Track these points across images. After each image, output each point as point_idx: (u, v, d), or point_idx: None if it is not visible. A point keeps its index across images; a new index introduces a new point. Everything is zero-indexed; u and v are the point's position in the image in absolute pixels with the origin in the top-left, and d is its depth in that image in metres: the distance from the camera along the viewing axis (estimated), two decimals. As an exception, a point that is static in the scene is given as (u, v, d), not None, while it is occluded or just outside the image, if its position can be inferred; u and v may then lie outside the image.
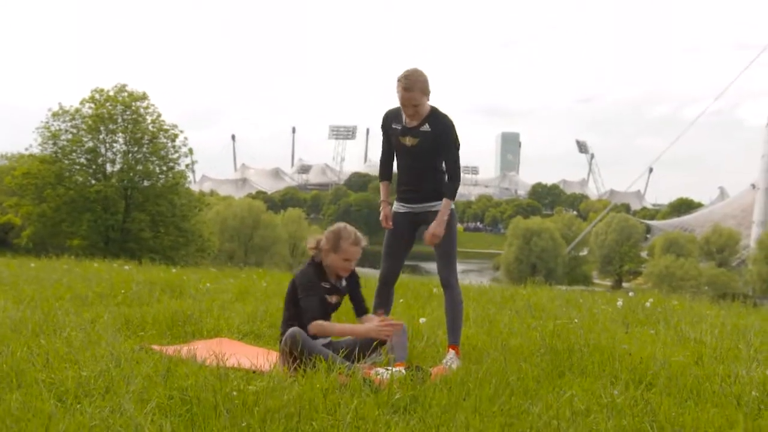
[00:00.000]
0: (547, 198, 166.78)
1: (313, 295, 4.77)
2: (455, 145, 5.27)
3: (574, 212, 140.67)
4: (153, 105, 41.10)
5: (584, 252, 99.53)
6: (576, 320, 6.29)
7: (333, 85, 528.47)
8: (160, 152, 40.83)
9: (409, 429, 3.14)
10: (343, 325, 5.00)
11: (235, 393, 3.46)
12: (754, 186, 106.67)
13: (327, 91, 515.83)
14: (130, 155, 40.68)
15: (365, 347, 4.84)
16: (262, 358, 4.72)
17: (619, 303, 8.05)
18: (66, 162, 39.09)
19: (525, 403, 3.58)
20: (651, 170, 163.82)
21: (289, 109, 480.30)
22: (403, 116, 5.28)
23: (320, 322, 4.77)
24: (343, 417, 3.14)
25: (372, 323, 4.82)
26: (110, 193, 38.53)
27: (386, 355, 4.85)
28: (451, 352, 5.04)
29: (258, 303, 7.04)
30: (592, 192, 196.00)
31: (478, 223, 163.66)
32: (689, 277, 69.75)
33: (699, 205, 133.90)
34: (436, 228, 5.24)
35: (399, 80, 5.13)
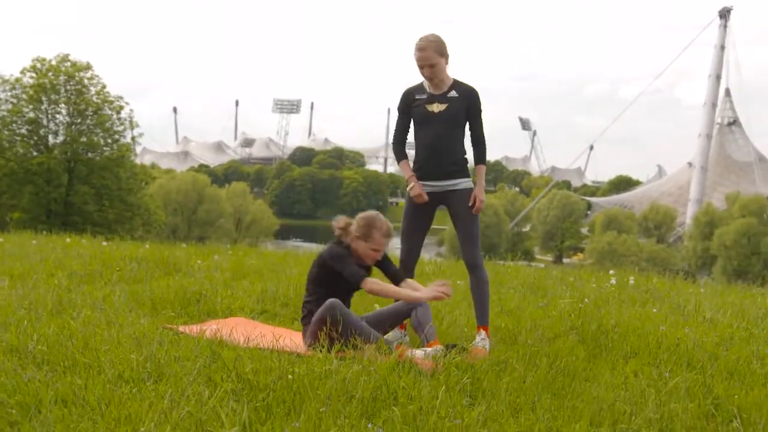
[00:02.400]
0: (490, 174, 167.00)
1: (348, 263, 4.72)
2: (481, 111, 5.27)
3: (517, 189, 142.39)
4: (97, 76, 39.97)
5: (527, 228, 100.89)
6: (586, 299, 6.32)
7: (277, 58, 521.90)
8: (104, 124, 39.79)
9: (491, 414, 3.08)
10: (398, 288, 4.84)
11: (290, 377, 3.36)
12: (690, 164, 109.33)
13: (271, 64, 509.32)
14: (74, 127, 39.56)
15: (389, 322, 4.80)
16: (292, 338, 4.63)
17: (613, 281, 8.14)
18: (6, 133, 37.82)
19: (582, 385, 3.56)
20: (591, 148, 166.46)
21: (232, 82, 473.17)
22: (427, 86, 5.24)
23: (377, 280, 4.75)
24: (428, 402, 3.07)
25: (426, 288, 4.77)
26: (53, 166, 37.45)
27: (411, 333, 4.81)
28: (482, 332, 4.96)
29: (263, 281, 6.90)
30: (535, 169, 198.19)
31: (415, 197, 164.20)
32: (630, 254, 71.26)
33: (637, 183, 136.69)
34: (480, 194, 5.18)
35: (414, 45, 5.15)
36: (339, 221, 5.00)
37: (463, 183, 5.23)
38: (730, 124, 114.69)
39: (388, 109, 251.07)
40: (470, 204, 5.17)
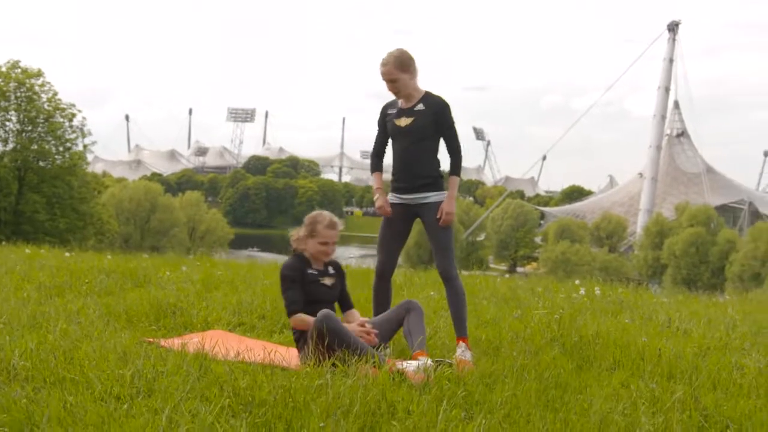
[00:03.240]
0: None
1: (291, 288, 4.76)
2: (452, 123, 5.30)
3: (471, 198, 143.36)
4: (49, 83, 39.40)
5: (481, 237, 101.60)
6: (561, 310, 6.37)
7: (232, 67, 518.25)
8: (56, 132, 39.17)
9: (489, 428, 3.08)
10: (310, 320, 4.79)
11: (281, 391, 3.33)
12: (641, 175, 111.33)
13: (225, 72, 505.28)
14: (24, 134, 38.91)
15: (382, 331, 4.80)
16: (276, 351, 4.58)
17: (582, 292, 8.23)
18: (-47, 140, 37.05)
19: (573, 398, 3.58)
20: (544, 158, 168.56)
21: (186, 90, 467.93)
22: (399, 102, 5.31)
23: (302, 315, 4.73)
24: (426, 416, 3.06)
25: (353, 325, 4.74)
26: (2, 174, 36.76)
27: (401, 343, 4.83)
28: (462, 344, 4.98)
29: (237, 293, 6.83)
30: (488, 178, 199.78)
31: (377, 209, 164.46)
32: (583, 263, 72.24)
33: (589, 193, 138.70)
34: (448, 206, 5.19)
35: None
36: (293, 233, 5.06)
37: (434, 196, 5.27)
38: (678, 135, 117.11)
39: (343, 119, 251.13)
40: (437, 216, 5.20)
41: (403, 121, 5.24)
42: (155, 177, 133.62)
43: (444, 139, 5.31)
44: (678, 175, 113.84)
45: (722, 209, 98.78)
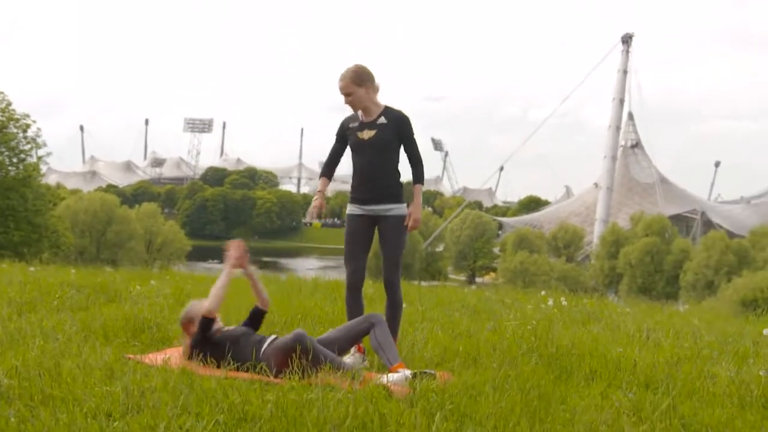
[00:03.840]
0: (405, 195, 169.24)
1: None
2: (413, 135, 5.49)
3: (430, 209, 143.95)
4: (2, 93, 38.69)
5: (440, 248, 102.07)
6: (534, 322, 6.48)
7: (188, 77, 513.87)
8: (10, 143, 38.48)
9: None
10: (216, 285, 5.18)
11: (272, 406, 3.35)
12: (596, 185, 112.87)
13: (182, 82, 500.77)
14: (-24, 145, 38.12)
15: (346, 342, 4.88)
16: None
17: (550, 302, 8.37)
18: None
19: (557, 408, 3.67)
20: (502, 168, 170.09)
21: (141, 101, 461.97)
22: (360, 115, 5.49)
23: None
24: (415, 428, 3.12)
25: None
26: (-46, 185, 36.00)
27: (371, 355, 4.90)
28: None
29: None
30: (447, 189, 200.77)
31: (336, 219, 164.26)
32: (542, 273, 72.96)
33: (546, 203, 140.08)
34: (416, 213, 5.40)
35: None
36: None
37: (395, 209, 5.45)
38: (633, 146, 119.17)
39: (302, 130, 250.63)
40: (405, 223, 5.40)
41: (366, 134, 5.41)
42: (111, 188, 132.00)
43: (406, 151, 5.50)
44: (633, 186, 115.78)
45: (676, 219, 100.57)
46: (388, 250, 5.44)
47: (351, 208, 5.58)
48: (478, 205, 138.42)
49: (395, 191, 5.46)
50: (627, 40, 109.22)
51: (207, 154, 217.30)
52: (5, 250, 33.73)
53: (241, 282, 5.32)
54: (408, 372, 4.33)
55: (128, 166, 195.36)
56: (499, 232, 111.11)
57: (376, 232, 5.52)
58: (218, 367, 4.69)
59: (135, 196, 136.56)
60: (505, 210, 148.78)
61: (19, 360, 4.04)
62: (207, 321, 4.93)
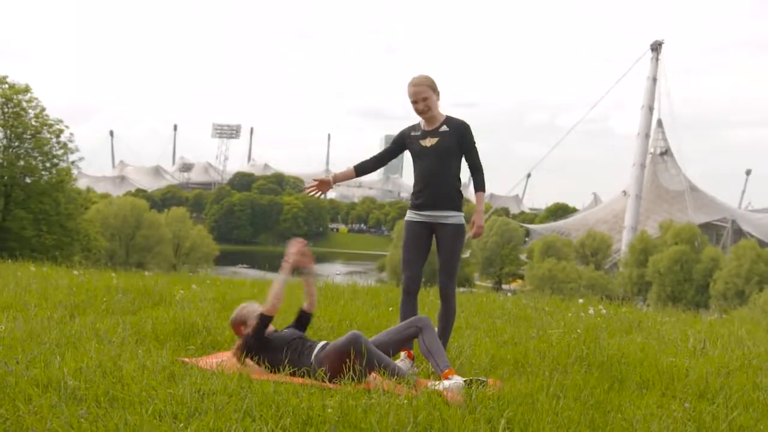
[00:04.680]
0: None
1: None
2: (474, 143, 5.60)
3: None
4: (36, 99, 39.20)
5: (467, 254, 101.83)
6: (579, 330, 6.48)
7: (217, 83, 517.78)
8: (43, 148, 38.98)
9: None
10: (274, 286, 5.18)
11: (337, 411, 3.40)
12: (625, 193, 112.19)
13: (211, 88, 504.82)
14: (11, 150, 38.66)
15: (393, 347, 4.91)
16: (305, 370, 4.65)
17: (591, 311, 8.35)
18: (-60, 155, 36.85)
19: (615, 418, 3.67)
20: (529, 176, 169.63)
21: (171, 106, 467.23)
22: (422, 124, 5.60)
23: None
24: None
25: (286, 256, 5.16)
26: (-12, 190, 36.55)
27: (422, 362, 4.93)
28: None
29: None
30: (473, 195, 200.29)
31: (362, 225, 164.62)
32: (570, 280, 72.53)
33: (574, 210, 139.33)
34: (479, 220, 5.49)
35: (408, 83, 5.51)
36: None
37: (454, 217, 5.53)
38: (662, 153, 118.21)
39: (328, 135, 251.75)
40: (468, 233, 5.49)
41: (429, 142, 5.51)
42: (140, 193, 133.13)
43: (467, 159, 5.59)
44: (662, 193, 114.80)
45: (706, 227, 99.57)
46: (445, 258, 5.48)
47: (410, 215, 5.63)
48: (505, 211, 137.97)
49: (455, 199, 5.54)
50: (656, 47, 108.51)
51: (234, 160, 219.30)
52: (39, 254, 34.15)
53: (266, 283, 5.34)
54: (461, 379, 4.35)
55: (157, 171, 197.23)
56: (526, 239, 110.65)
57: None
58: (272, 370, 4.75)
59: (163, 200, 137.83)
60: (533, 217, 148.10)
61: (80, 362, 4.12)
62: (266, 319, 4.96)
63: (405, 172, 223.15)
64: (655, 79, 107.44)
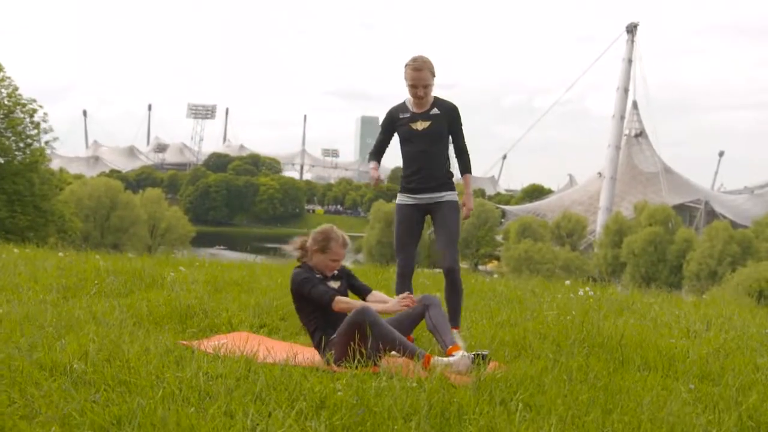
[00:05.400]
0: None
1: (317, 283, 4.88)
2: (462, 125, 5.64)
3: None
4: (9, 78, 38.58)
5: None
6: (573, 312, 6.51)
7: (192, 63, 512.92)
8: (16, 128, 38.42)
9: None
10: (356, 302, 4.96)
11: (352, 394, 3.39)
12: (600, 174, 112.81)
13: (186, 68, 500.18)
14: (-17, 130, 38.08)
15: (407, 326, 4.91)
16: (305, 354, 4.66)
17: (581, 292, 8.40)
18: None
19: (625, 399, 3.70)
20: (505, 157, 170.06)
21: (145, 86, 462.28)
22: (410, 105, 5.55)
23: (344, 298, 4.91)
24: (495, 418, 3.16)
25: (393, 300, 4.94)
26: (-39, 170, 36.02)
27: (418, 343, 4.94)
28: (455, 332, 5.14)
29: (249, 294, 6.87)
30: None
31: (339, 206, 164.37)
32: (546, 261, 72.97)
33: (549, 192, 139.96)
34: (469, 202, 5.58)
35: (408, 65, 5.44)
36: (295, 242, 5.18)
37: (449, 195, 5.57)
38: (637, 135, 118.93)
39: (305, 116, 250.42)
40: (463, 215, 5.59)
41: (420, 125, 5.48)
42: (114, 174, 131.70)
43: (454, 141, 5.65)
44: (636, 175, 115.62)
45: (679, 208, 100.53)
46: (446, 233, 5.47)
47: (402, 198, 5.62)
48: (481, 193, 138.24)
49: (448, 180, 5.57)
50: (632, 29, 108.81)
51: (210, 141, 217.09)
52: (12, 235, 33.76)
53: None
54: (467, 354, 4.39)
55: (131, 152, 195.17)
56: (502, 220, 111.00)
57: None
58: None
59: (138, 181, 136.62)
60: (508, 198, 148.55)
61: (83, 345, 4.08)
62: (324, 305, 4.84)
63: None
64: (630, 61, 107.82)
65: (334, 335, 4.68)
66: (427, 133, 5.45)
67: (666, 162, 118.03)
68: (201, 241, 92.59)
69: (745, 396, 3.87)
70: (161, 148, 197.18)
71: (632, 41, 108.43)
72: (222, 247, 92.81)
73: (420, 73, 5.36)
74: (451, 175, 5.61)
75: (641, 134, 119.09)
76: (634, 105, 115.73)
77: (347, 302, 4.87)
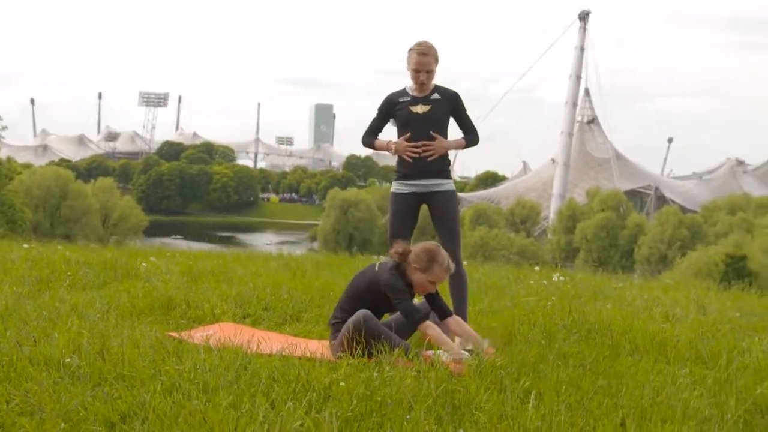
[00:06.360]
0: (361, 169, 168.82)
1: (408, 299, 4.71)
2: (466, 109, 5.51)
3: (388, 184, 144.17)
4: (-48, 66, 37.65)
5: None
6: (553, 298, 6.56)
7: (144, 50, 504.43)
8: (-38, 117, 37.55)
9: (556, 420, 3.17)
10: (447, 339, 4.59)
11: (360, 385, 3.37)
12: (553, 161, 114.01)
13: (137, 55, 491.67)
14: (-72, 119, 37.15)
15: (403, 328, 4.85)
16: (306, 345, 4.59)
17: (554, 278, 8.47)
18: None
19: (623, 384, 3.73)
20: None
21: (95, 74, 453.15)
22: (410, 90, 5.44)
23: (434, 325, 4.65)
24: (502, 405, 3.16)
25: (456, 353, 4.46)
26: None
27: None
28: None
29: (229, 284, 6.77)
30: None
31: (294, 195, 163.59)
32: (501, 247, 73.52)
33: (503, 179, 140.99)
34: (446, 143, 5.35)
35: (412, 49, 5.33)
36: (398, 247, 4.91)
37: (447, 185, 5.44)
38: (589, 122, 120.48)
39: (258, 104, 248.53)
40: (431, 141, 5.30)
41: (420, 108, 5.36)
42: (63, 163, 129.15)
43: (462, 125, 5.51)
44: (589, 161, 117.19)
45: (630, 194, 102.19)
46: (446, 223, 5.40)
47: (398, 187, 5.48)
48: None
49: (445, 167, 5.45)
50: (584, 17, 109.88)
51: (162, 129, 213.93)
52: (-39, 226, 33.04)
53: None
54: (464, 352, 4.38)
55: (81, 140, 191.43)
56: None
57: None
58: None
59: (89, 170, 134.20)
60: (463, 185, 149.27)
61: (72, 339, 3.98)
62: (408, 317, 4.67)
63: (336, 141, 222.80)
64: (582, 49, 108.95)
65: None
66: (427, 117, 5.33)
67: (617, 148, 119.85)
68: (155, 230, 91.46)
69: (738, 379, 3.93)
70: (112, 136, 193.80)
71: (584, 29, 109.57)
72: (177, 236, 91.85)
73: (425, 57, 5.27)
74: (449, 162, 5.49)
75: (593, 121, 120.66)
76: (587, 92, 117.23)
77: (436, 331, 4.58)
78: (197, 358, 3.74)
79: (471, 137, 5.53)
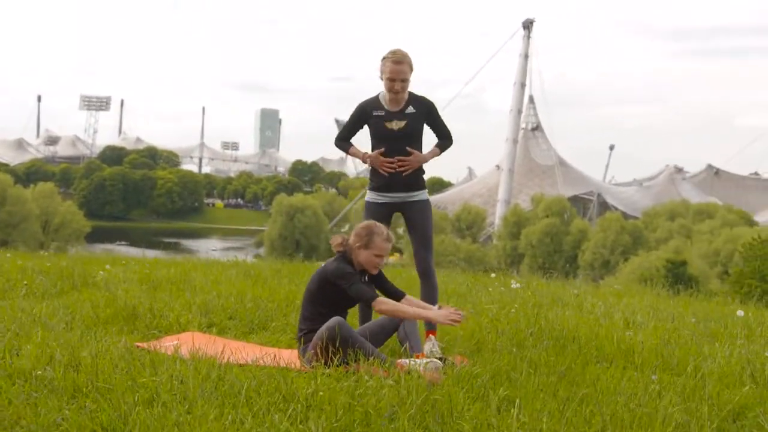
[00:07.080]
0: (307, 175, 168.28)
1: (357, 280, 4.72)
2: (439, 116, 5.50)
3: (334, 190, 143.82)
4: None
5: (345, 228, 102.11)
6: (516, 305, 6.63)
7: (85, 52, 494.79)
8: None
9: (538, 428, 3.21)
10: (409, 307, 4.80)
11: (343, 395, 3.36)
12: (498, 167, 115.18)
13: (78, 58, 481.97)
14: None
15: (376, 338, 4.83)
16: (277, 354, 4.56)
17: (513, 285, 8.55)
18: None
19: (593, 390, 3.79)
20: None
21: (33, 76, 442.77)
22: (384, 102, 5.35)
23: (388, 300, 4.75)
24: (482, 412, 3.18)
25: (441, 310, 4.78)
26: None
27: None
28: (431, 337, 5.13)
29: (191, 292, 6.67)
30: (351, 170, 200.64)
31: (239, 200, 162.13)
32: (448, 253, 73.95)
33: (449, 185, 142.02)
34: (422, 156, 5.35)
35: (386, 57, 5.25)
36: (335, 239, 4.97)
37: (420, 194, 5.50)
38: (533, 129, 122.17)
39: (203, 108, 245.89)
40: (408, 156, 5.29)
41: (396, 125, 5.30)
42: (1, 167, 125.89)
43: (436, 133, 5.52)
44: (533, 167, 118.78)
45: (574, 200, 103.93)
46: (420, 233, 5.44)
47: (373, 196, 5.48)
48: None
49: (421, 179, 5.47)
50: (528, 25, 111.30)
51: (105, 133, 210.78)
52: None
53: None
54: (434, 360, 4.40)
55: (20, 144, 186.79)
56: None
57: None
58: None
59: (28, 175, 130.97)
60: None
61: (41, 350, 3.89)
62: (360, 300, 4.74)
63: (281, 146, 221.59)
64: (527, 56, 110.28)
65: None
66: (403, 133, 5.28)
67: (561, 155, 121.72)
68: (97, 236, 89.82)
69: (707, 385, 4.03)
70: (52, 140, 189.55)
71: (528, 37, 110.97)
72: (122, 242, 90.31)
73: (400, 66, 5.18)
74: (423, 172, 5.49)
75: (537, 128, 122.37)
76: (531, 99, 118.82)
77: (393, 305, 4.69)
78: (173, 368, 3.69)
79: (445, 142, 5.54)
